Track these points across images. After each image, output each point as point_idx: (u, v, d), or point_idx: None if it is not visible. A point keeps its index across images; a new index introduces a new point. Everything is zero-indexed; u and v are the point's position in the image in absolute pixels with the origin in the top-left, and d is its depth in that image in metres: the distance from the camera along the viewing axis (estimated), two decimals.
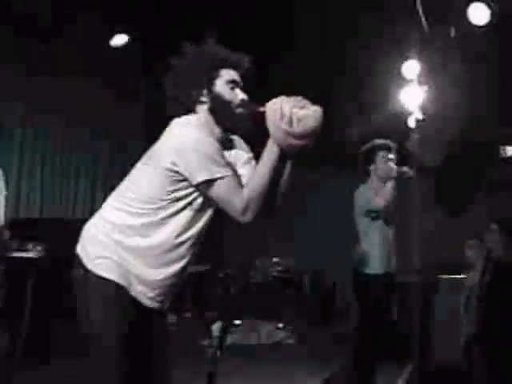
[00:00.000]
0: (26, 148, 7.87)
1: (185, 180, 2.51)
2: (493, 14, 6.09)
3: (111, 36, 7.56)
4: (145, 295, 2.66)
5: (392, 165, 5.04)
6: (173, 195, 2.56)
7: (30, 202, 8.07)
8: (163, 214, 2.58)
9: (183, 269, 2.70)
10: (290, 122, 2.35)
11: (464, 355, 5.55)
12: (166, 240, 2.61)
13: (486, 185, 8.05)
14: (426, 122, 6.90)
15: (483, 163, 8.06)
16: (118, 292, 2.58)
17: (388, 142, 5.18)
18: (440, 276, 6.82)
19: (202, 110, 2.66)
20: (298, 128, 2.36)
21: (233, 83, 2.66)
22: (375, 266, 4.94)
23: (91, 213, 2.80)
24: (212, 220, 2.73)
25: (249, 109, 2.61)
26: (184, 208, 2.59)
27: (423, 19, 6.49)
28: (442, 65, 6.78)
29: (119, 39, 7.53)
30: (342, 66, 7.61)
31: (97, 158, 9.16)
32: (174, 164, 2.48)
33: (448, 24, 6.52)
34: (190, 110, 2.66)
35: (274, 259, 8.81)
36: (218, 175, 2.46)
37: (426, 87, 6.77)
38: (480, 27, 6.18)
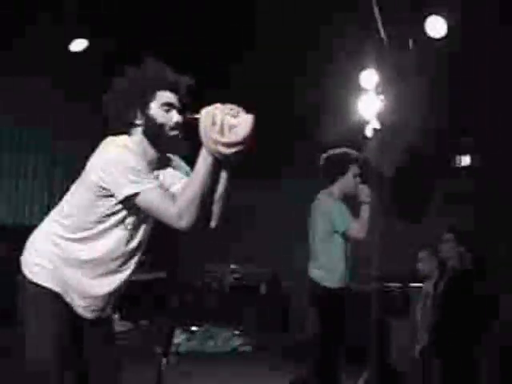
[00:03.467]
0: None
1: (112, 196, 2.54)
2: (450, 27, 6.17)
3: (70, 41, 7.47)
4: (79, 305, 2.71)
5: (359, 180, 4.94)
6: (102, 211, 2.59)
7: None
8: (94, 229, 2.63)
9: (120, 282, 2.75)
10: (221, 131, 2.36)
11: (419, 362, 5.60)
12: (100, 255, 2.65)
13: (441, 194, 8.14)
14: (383, 131, 6.97)
15: (439, 173, 8.16)
16: (53, 300, 2.65)
17: (359, 155, 5.05)
18: (396, 285, 6.90)
19: (137, 132, 2.67)
20: (228, 137, 2.36)
21: (168, 105, 2.66)
22: (336, 280, 4.87)
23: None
24: (155, 233, 2.79)
25: (183, 131, 2.62)
26: (115, 225, 2.63)
27: (381, 30, 6.56)
28: (400, 75, 6.84)
29: (79, 44, 7.46)
30: (302, 71, 7.64)
31: (55, 159, 9.05)
32: (101, 180, 2.51)
33: (405, 36, 6.59)
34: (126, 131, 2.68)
35: (232, 266, 8.81)
36: (143, 187, 2.48)
37: (383, 97, 6.85)
38: (437, 40, 6.26)
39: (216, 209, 2.60)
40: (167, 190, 2.64)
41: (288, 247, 8.78)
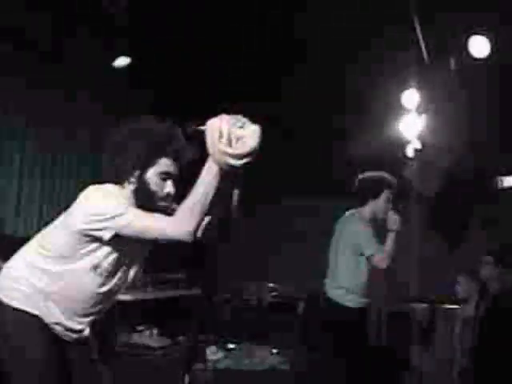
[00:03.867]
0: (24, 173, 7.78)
1: (96, 240, 2.57)
2: (493, 47, 6.11)
3: (113, 57, 7.51)
4: (57, 330, 2.74)
5: (390, 206, 4.91)
6: (81, 252, 2.61)
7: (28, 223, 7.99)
8: (69, 266, 2.64)
9: (89, 322, 2.80)
10: (229, 142, 2.36)
11: None
12: (70, 293, 2.68)
13: (481, 215, 8.03)
14: (424, 152, 6.93)
15: (479, 194, 8.05)
16: (33, 324, 2.67)
17: (395, 181, 4.99)
18: (435, 305, 6.81)
19: (128, 187, 2.68)
20: (235, 148, 2.36)
21: (166, 175, 2.68)
22: (357, 300, 4.88)
23: None
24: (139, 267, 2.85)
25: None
26: (90, 268, 2.65)
27: (423, 50, 6.54)
28: (442, 95, 6.80)
29: (121, 61, 7.50)
30: (341, 91, 7.63)
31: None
32: (84, 227, 2.54)
33: (448, 55, 6.55)
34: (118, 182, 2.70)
35: (270, 284, 8.79)
36: (130, 218, 2.49)
37: (424, 117, 6.82)
38: (480, 60, 6.20)
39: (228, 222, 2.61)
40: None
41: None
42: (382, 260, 4.74)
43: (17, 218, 7.57)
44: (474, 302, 5.43)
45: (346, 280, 4.86)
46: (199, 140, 2.46)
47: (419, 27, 6.30)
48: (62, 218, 2.72)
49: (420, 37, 6.38)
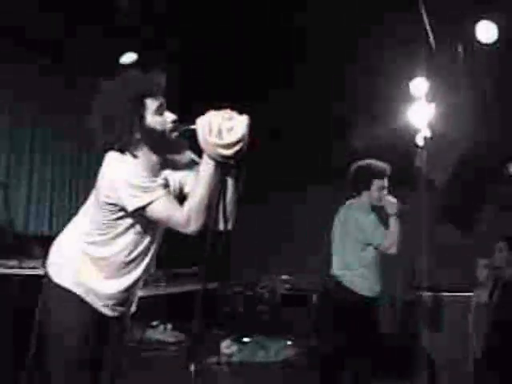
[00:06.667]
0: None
1: (123, 209, 2.66)
2: (501, 33, 6.06)
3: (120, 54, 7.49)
4: (100, 305, 2.82)
5: (385, 193, 4.88)
6: (116, 220, 2.72)
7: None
8: (109, 235, 2.75)
9: (134, 283, 2.89)
10: (219, 135, 2.47)
11: (474, 374, 5.49)
12: (116, 257, 2.78)
13: (494, 202, 7.99)
14: (435, 140, 6.89)
15: (492, 181, 8.01)
16: (76, 302, 2.78)
17: (385, 167, 4.91)
18: (448, 294, 6.78)
19: (138, 145, 2.71)
20: (226, 138, 2.47)
21: (159, 109, 2.72)
22: (373, 288, 4.85)
23: None
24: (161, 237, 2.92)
25: (181, 126, 2.70)
26: (126, 230, 2.75)
27: (431, 36, 6.49)
28: (451, 83, 6.75)
29: (128, 57, 7.48)
30: (350, 79, 7.62)
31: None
32: (109, 197, 2.64)
33: (456, 42, 6.50)
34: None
35: (283, 277, 8.79)
36: (149, 200, 2.58)
37: (434, 105, 6.78)
38: (488, 45, 6.15)
39: (227, 212, 2.67)
40: (179, 191, 2.82)
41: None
42: (388, 247, 4.74)
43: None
44: (489, 289, 5.41)
45: (360, 269, 4.83)
46: (193, 139, 2.57)
47: (426, 14, 6.25)
48: (91, 196, 2.81)
49: (427, 24, 6.33)
